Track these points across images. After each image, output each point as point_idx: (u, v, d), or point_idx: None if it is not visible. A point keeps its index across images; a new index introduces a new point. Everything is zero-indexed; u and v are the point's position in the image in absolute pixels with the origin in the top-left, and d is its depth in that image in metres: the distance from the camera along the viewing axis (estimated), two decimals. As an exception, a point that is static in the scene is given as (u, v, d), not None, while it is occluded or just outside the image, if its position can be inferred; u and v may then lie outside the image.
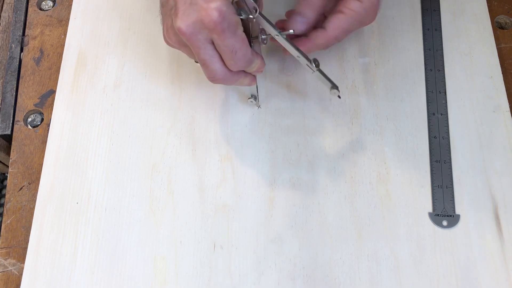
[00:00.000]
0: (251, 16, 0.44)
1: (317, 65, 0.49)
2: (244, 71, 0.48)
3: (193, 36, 0.43)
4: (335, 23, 0.50)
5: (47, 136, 0.54)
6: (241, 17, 0.44)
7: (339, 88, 0.51)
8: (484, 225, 0.49)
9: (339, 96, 0.52)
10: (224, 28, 0.42)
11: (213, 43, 0.44)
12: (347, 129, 0.54)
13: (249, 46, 0.45)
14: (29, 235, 0.50)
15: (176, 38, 0.45)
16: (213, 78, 0.46)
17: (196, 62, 0.47)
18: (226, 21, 0.42)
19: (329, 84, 0.50)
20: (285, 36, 0.47)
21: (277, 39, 0.47)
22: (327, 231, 0.49)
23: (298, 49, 0.48)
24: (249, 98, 0.54)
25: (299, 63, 0.50)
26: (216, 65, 0.45)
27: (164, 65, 0.58)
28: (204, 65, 0.45)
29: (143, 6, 0.61)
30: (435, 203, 0.50)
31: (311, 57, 0.49)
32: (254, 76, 0.50)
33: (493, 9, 0.60)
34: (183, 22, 0.42)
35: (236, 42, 0.43)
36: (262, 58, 0.48)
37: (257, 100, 0.54)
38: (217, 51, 0.44)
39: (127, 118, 0.55)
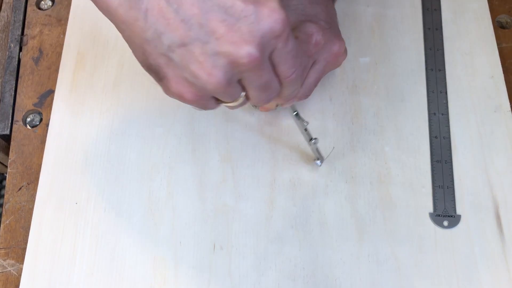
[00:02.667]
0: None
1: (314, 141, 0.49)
2: None
3: (264, 56, 0.32)
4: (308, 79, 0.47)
5: (46, 136, 0.54)
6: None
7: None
8: (485, 225, 0.49)
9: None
10: (289, 32, 0.33)
11: (270, 57, 0.34)
12: (348, 129, 0.54)
13: None
14: (28, 236, 0.50)
15: (228, 77, 0.33)
16: (269, 100, 0.37)
17: (224, 103, 0.37)
18: (288, 20, 0.33)
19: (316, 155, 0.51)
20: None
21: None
22: (327, 231, 0.49)
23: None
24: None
25: None
26: (276, 82, 0.36)
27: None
28: (266, 88, 0.35)
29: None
30: (436, 203, 0.50)
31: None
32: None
33: (494, 8, 0.60)
34: (251, 44, 0.31)
35: (296, 42, 0.35)
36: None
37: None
38: (273, 64, 0.35)
39: (126, 118, 0.55)
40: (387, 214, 0.50)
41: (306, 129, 0.49)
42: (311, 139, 0.49)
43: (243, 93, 0.36)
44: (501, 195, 0.50)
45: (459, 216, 0.50)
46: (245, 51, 0.31)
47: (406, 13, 0.60)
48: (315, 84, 0.49)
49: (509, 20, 0.60)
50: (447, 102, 0.55)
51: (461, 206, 0.50)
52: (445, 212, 0.50)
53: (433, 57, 0.57)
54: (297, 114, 0.47)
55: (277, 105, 0.50)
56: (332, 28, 0.48)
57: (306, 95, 0.50)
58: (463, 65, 0.57)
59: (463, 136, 0.53)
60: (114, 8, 0.32)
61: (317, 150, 0.51)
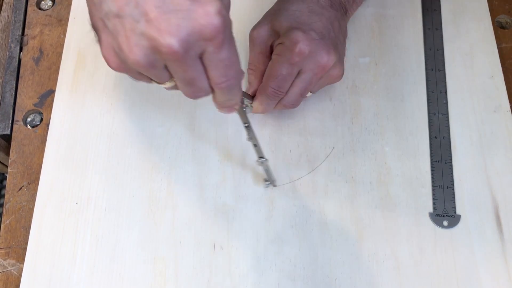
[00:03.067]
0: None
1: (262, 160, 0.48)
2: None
3: (187, 53, 0.33)
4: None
5: (46, 136, 0.54)
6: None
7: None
8: (484, 225, 0.49)
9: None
10: (226, 38, 0.34)
11: (201, 57, 0.35)
12: (347, 129, 0.54)
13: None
14: (28, 235, 0.50)
15: (149, 59, 0.34)
16: (194, 96, 0.38)
17: (155, 82, 0.38)
18: (228, 28, 0.34)
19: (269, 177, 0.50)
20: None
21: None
22: (327, 231, 0.49)
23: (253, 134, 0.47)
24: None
25: None
26: (204, 82, 0.36)
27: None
28: (189, 84, 0.36)
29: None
30: (435, 203, 0.50)
31: None
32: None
33: (494, 8, 0.60)
34: (174, 37, 0.32)
35: (233, 53, 0.35)
36: (241, 96, 0.41)
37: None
38: (203, 65, 0.36)
39: (127, 118, 0.55)
40: (387, 214, 0.50)
41: (256, 145, 0.47)
42: (259, 157, 0.47)
43: (172, 82, 0.37)
44: (501, 195, 0.50)
45: (459, 216, 0.50)
46: (166, 41, 0.32)
47: (406, 13, 0.60)
48: (301, 94, 0.49)
49: (509, 21, 0.60)
50: (447, 102, 0.55)
51: (461, 206, 0.50)
52: (445, 212, 0.50)
53: (433, 57, 0.57)
54: (247, 127, 0.45)
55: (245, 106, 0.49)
56: (324, 40, 0.47)
57: (293, 104, 0.50)
58: (463, 65, 0.57)
59: (463, 136, 0.53)
60: None
61: (267, 171, 0.49)
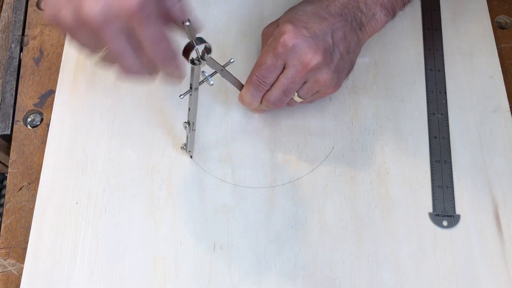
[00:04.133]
0: (205, 61, 0.43)
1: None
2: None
3: (107, 24, 0.36)
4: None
5: (46, 136, 0.54)
6: (194, 65, 0.43)
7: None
8: (484, 225, 0.49)
9: None
10: (145, 16, 0.36)
11: (127, 34, 0.37)
12: (347, 129, 0.54)
13: (170, 39, 0.39)
14: (28, 235, 0.50)
15: (74, 22, 0.36)
16: (128, 72, 0.40)
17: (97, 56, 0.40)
18: (147, 8, 0.36)
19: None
20: (226, 68, 0.47)
21: (221, 74, 0.47)
22: (327, 231, 0.49)
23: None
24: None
25: None
26: (132, 57, 0.38)
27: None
28: (119, 58, 0.38)
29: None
30: (435, 203, 0.50)
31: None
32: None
33: (493, 9, 0.60)
34: (96, 4, 0.35)
35: (157, 32, 0.38)
36: (182, 68, 0.42)
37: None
38: (131, 43, 0.38)
39: (127, 118, 0.55)
40: (387, 214, 0.50)
41: (189, 109, 0.47)
42: (186, 122, 0.47)
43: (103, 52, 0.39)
44: (501, 195, 0.50)
45: (459, 216, 0.50)
46: (88, 7, 0.35)
47: (405, 13, 0.60)
48: (284, 91, 0.48)
49: (508, 21, 0.60)
50: (446, 102, 0.55)
51: (461, 206, 0.50)
52: (444, 212, 0.50)
53: (432, 57, 0.57)
54: (187, 123, 0.46)
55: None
56: (314, 40, 0.46)
57: (276, 102, 0.49)
58: (462, 65, 0.57)
59: (462, 136, 0.53)
60: None
61: (189, 139, 0.48)
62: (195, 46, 0.41)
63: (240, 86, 0.51)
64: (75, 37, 0.38)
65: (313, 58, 0.46)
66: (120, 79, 0.41)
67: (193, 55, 0.42)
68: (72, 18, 0.36)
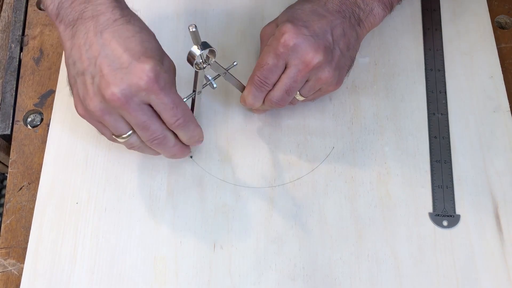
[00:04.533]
0: (209, 64, 0.45)
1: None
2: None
3: (129, 100, 0.41)
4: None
5: (46, 136, 0.54)
6: (198, 70, 0.45)
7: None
8: (484, 225, 0.49)
9: None
10: (162, 87, 0.42)
11: (149, 105, 0.43)
12: (347, 129, 0.54)
13: (186, 104, 0.45)
14: (28, 235, 0.50)
15: (103, 106, 0.42)
16: (152, 140, 0.45)
17: (118, 136, 0.45)
18: (162, 79, 0.42)
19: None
20: (229, 70, 0.48)
21: (224, 77, 0.49)
22: (327, 231, 0.49)
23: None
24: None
25: None
26: (157, 124, 0.44)
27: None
28: (144, 128, 0.44)
29: (142, 6, 0.61)
30: (435, 203, 0.50)
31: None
32: (187, 148, 0.49)
33: (494, 9, 0.60)
34: (116, 87, 0.41)
35: (174, 98, 0.43)
36: (201, 129, 0.48)
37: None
38: (154, 111, 0.43)
39: (127, 118, 0.55)
40: (387, 214, 0.50)
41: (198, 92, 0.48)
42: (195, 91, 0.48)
43: (129, 132, 0.45)
44: (501, 195, 0.50)
45: (459, 216, 0.50)
46: (110, 91, 0.41)
47: (405, 13, 0.60)
48: (286, 91, 0.48)
49: (508, 21, 0.60)
50: (446, 102, 0.55)
51: (461, 206, 0.50)
52: (444, 212, 0.50)
53: (432, 57, 0.57)
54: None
55: None
56: (315, 39, 0.46)
57: (278, 102, 0.49)
58: (462, 65, 0.57)
59: (462, 136, 0.53)
60: (61, 34, 0.45)
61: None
62: (200, 51, 0.43)
63: (242, 88, 0.51)
64: (105, 122, 0.44)
65: (315, 57, 0.46)
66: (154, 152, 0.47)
67: (198, 59, 0.43)
68: (101, 106, 0.42)
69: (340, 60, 0.49)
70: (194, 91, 0.47)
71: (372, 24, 0.51)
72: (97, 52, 0.42)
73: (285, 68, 0.47)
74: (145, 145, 0.46)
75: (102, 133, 0.46)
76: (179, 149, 0.47)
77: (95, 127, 0.46)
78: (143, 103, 0.42)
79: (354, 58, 0.51)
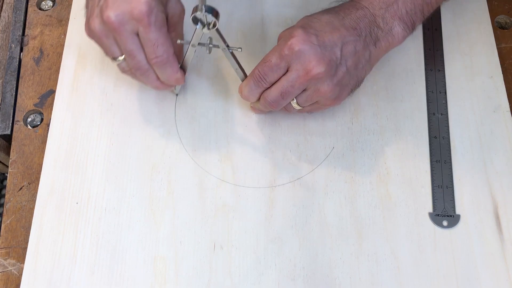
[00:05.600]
0: (207, 30, 0.46)
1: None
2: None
3: (121, 26, 0.45)
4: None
5: (47, 136, 0.54)
6: (197, 27, 0.46)
7: None
8: (484, 225, 0.49)
9: None
10: (151, 22, 0.45)
11: (138, 35, 0.46)
12: (347, 129, 0.54)
13: (171, 46, 0.47)
14: (29, 235, 0.50)
15: (101, 27, 0.46)
16: (136, 69, 0.48)
17: (113, 58, 0.49)
18: (153, 15, 0.45)
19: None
20: (231, 51, 0.49)
21: (224, 52, 0.49)
22: (327, 231, 0.49)
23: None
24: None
25: None
26: (141, 56, 0.47)
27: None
28: (130, 56, 0.47)
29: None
30: (435, 203, 0.50)
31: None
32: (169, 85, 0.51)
33: (493, 9, 0.60)
34: (112, 12, 0.45)
35: (160, 36, 0.46)
36: (183, 73, 0.50)
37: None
38: (141, 44, 0.47)
39: (127, 118, 0.55)
40: (387, 214, 0.50)
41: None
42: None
43: (120, 57, 0.49)
44: (500, 195, 0.50)
45: (459, 216, 0.50)
46: (107, 13, 0.45)
47: (405, 13, 0.60)
48: (281, 93, 0.47)
49: (508, 21, 0.60)
50: (446, 102, 0.55)
51: (461, 206, 0.50)
52: (444, 212, 0.50)
53: (432, 57, 0.57)
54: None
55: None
56: (321, 50, 0.46)
57: (272, 103, 0.48)
58: (462, 65, 0.57)
59: (462, 136, 0.53)
60: None
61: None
62: (201, 10, 0.44)
63: (243, 75, 0.51)
64: (102, 43, 0.48)
65: (316, 66, 0.46)
66: (135, 78, 0.50)
67: (199, 16, 0.44)
68: (100, 27, 0.47)
69: (344, 77, 0.48)
70: (188, 42, 0.48)
71: (391, 44, 0.50)
72: None
73: (287, 71, 0.47)
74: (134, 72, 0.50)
75: (106, 54, 0.50)
76: (161, 84, 0.51)
77: (100, 47, 0.49)
78: (134, 33, 0.46)
79: (362, 79, 0.50)
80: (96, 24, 0.47)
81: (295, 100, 0.49)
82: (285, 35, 0.47)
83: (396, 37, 0.50)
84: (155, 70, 0.49)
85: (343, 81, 0.48)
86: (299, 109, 0.50)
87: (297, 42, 0.46)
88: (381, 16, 0.49)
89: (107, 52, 0.49)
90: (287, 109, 0.51)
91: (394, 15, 0.49)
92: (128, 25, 0.45)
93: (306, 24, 0.48)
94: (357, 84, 0.50)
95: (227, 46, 0.48)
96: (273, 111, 0.51)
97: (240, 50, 0.48)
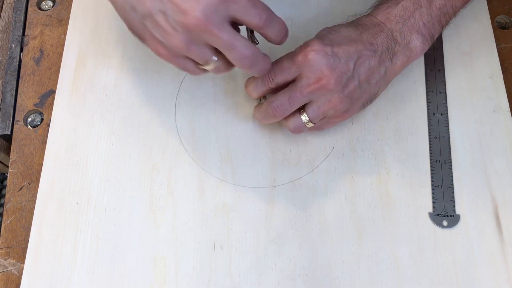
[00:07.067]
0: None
1: None
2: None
3: (212, 20, 0.39)
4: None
5: (47, 136, 0.54)
6: None
7: None
8: (484, 225, 0.49)
9: None
10: None
11: (230, 22, 0.41)
12: (347, 129, 0.54)
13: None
14: (29, 235, 0.50)
15: (186, 38, 0.41)
16: (245, 60, 0.42)
17: (206, 63, 0.43)
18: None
19: None
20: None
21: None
22: (327, 231, 0.49)
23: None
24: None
25: None
26: (244, 42, 0.42)
27: (164, 65, 0.58)
28: (232, 48, 0.41)
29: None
30: (435, 203, 0.50)
31: None
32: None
33: (493, 9, 0.60)
34: (196, 11, 0.39)
35: (259, 3, 0.41)
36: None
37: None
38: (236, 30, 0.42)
39: (127, 118, 0.55)
40: (387, 214, 0.50)
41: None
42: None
43: (215, 57, 0.43)
44: (500, 195, 0.50)
45: (459, 216, 0.50)
46: (191, 16, 0.39)
47: (405, 13, 0.60)
48: (288, 97, 0.47)
49: (508, 21, 0.60)
50: (446, 102, 0.55)
51: (461, 206, 0.50)
52: (444, 212, 0.50)
53: (432, 57, 0.57)
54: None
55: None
56: (335, 61, 0.46)
57: (276, 106, 0.48)
58: (462, 65, 0.57)
59: (462, 136, 0.53)
60: None
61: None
62: None
63: None
64: (192, 53, 0.42)
65: (326, 76, 0.46)
66: (244, 68, 0.44)
67: None
68: (185, 38, 0.41)
69: (355, 91, 0.48)
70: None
71: (409, 58, 0.50)
72: None
73: (295, 79, 0.47)
74: (231, 66, 0.44)
75: (184, 69, 0.45)
76: (268, 62, 0.45)
77: (176, 65, 0.45)
78: (225, 20, 0.40)
79: (376, 94, 0.50)
80: (178, 37, 0.40)
81: (306, 116, 0.48)
82: (302, 45, 0.48)
83: (414, 51, 0.49)
84: (267, 32, 0.44)
85: (354, 95, 0.48)
86: (310, 127, 0.50)
87: (312, 51, 0.46)
88: (399, 31, 0.49)
89: (192, 63, 0.44)
90: (298, 127, 0.50)
91: (411, 28, 0.49)
92: (217, 15, 0.39)
93: (324, 35, 0.48)
94: (370, 99, 0.50)
95: (251, 32, 0.48)
96: (275, 120, 0.50)
97: (257, 42, 0.49)
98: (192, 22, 0.39)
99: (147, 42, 0.44)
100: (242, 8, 0.40)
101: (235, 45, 0.41)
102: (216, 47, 0.42)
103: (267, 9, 0.42)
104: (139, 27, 0.43)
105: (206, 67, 0.44)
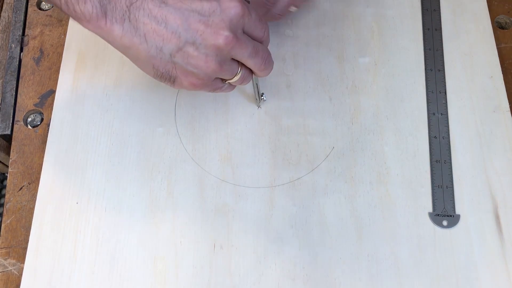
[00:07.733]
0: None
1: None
2: None
3: (237, 34, 0.42)
4: None
5: (47, 136, 0.54)
6: None
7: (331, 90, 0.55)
8: (484, 225, 0.49)
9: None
10: (248, 6, 0.42)
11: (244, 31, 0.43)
12: (347, 129, 0.54)
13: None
14: (29, 235, 0.50)
15: (219, 60, 0.42)
16: (267, 60, 0.46)
17: (233, 76, 0.46)
18: (246, 4, 0.42)
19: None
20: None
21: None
22: (327, 231, 0.49)
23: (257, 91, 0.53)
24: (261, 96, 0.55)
25: (299, 63, 0.52)
26: (261, 45, 0.45)
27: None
28: (255, 53, 0.44)
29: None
30: (435, 203, 0.50)
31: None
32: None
33: (493, 9, 0.60)
34: (225, 30, 0.41)
35: (257, 13, 0.44)
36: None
37: (259, 99, 0.55)
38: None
39: (127, 118, 0.55)
40: (387, 214, 0.50)
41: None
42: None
43: (239, 68, 0.45)
44: (500, 195, 0.50)
45: (458, 216, 0.50)
46: (223, 37, 0.41)
47: (405, 13, 0.60)
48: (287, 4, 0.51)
49: (508, 21, 0.60)
50: (446, 102, 0.55)
51: (461, 206, 0.50)
52: (444, 211, 0.50)
53: (432, 57, 0.57)
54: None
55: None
56: None
57: (279, 14, 0.52)
58: (462, 65, 0.57)
59: (462, 136, 0.53)
60: (119, 38, 0.41)
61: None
62: None
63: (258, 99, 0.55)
64: (224, 71, 0.44)
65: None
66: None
67: None
68: (217, 58, 0.42)
69: None
70: None
71: None
72: (178, 19, 0.40)
73: None
74: (251, 73, 0.48)
75: (218, 89, 0.47)
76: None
77: (210, 89, 0.46)
78: (243, 32, 0.43)
79: None
80: (213, 63, 0.42)
81: None
82: None
83: None
84: (265, 43, 0.47)
85: None
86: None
87: None
88: None
89: (220, 81, 0.46)
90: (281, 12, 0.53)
91: None
92: (239, 29, 0.42)
93: None
94: None
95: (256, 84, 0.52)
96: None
97: (264, 99, 0.54)
98: (224, 42, 0.41)
99: (179, 79, 0.44)
100: (252, 22, 0.43)
101: (258, 50, 0.44)
102: (241, 58, 0.44)
103: (267, 26, 0.46)
104: (168, 68, 0.43)
105: (232, 81, 0.46)
